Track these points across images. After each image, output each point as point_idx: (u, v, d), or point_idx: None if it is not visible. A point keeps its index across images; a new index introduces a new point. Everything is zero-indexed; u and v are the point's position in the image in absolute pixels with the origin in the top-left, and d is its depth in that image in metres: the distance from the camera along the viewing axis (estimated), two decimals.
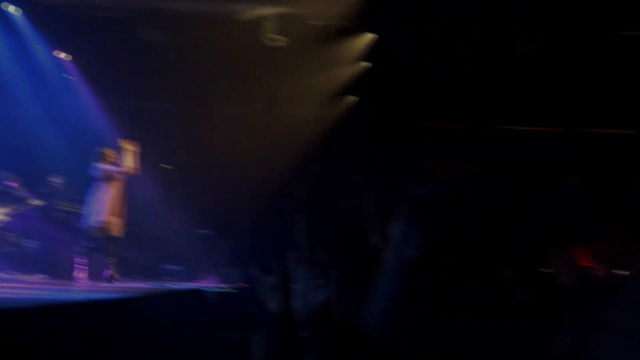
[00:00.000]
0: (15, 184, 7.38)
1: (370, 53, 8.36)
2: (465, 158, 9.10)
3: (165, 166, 8.45)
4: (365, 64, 8.56)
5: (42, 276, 7.12)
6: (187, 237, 8.41)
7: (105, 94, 8.62)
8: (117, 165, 6.68)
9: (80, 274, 6.49)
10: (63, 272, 6.95)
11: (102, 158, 6.67)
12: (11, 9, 7.98)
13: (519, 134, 8.89)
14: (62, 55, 8.72)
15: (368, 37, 8.34)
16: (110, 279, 6.47)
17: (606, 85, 7.61)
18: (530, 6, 6.91)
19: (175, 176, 8.56)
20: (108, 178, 6.59)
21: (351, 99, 9.10)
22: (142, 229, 7.68)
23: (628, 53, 7.20)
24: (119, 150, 6.75)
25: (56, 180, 7.89)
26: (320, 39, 8.21)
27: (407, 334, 1.41)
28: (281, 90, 8.69)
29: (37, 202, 7.47)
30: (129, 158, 6.64)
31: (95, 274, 6.53)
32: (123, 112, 8.51)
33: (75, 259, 6.63)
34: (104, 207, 6.53)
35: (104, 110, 8.62)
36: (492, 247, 1.52)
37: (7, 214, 7.21)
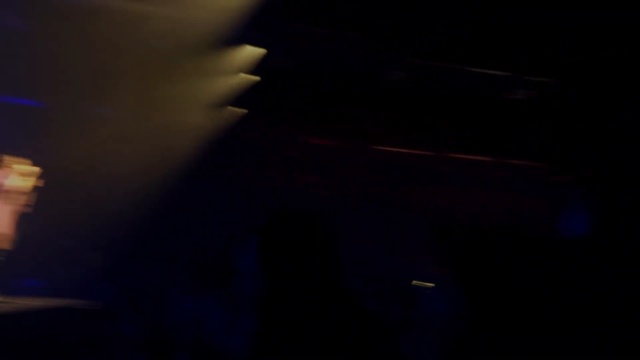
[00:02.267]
0: None
1: (257, 66, 8.37)
2: (348, 174, 9.39)
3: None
4: (249, 76, 8.56)
5: None
6: (49, 248, 7.72)
7: None
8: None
9: None
10: None
11: None
12: None
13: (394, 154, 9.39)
14: None
15: (254, 50, 8.35)
16: None
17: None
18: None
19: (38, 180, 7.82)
20: None
21: (234, 110, 9.03)
22: None
23: None
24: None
25: None
26: (205, 45, 8.06)
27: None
28: (159, 94, 8.37)
29: None
30: (16, 177, 6.05)
31: None
32: None
33: None
34: None
35: None
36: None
37: None
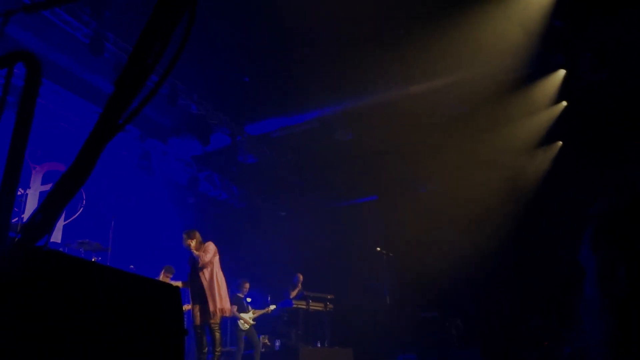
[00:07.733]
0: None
1: (564, 91, 7.58)
2: None
3: (382, 251, 8.47)
4: (563, 103, 7.79)
5: None
6: (415, 322, 8.31)
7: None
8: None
9: None
10: None
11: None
12: None
13: None
14: None
15: (559, 75, 7.62)
16: None
17: None
18: None
19: (393, 262, 8.54)
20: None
21: (558, 143, 8.27)
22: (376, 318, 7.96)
23: None
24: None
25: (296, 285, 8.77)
26: (506, 92, 7.77)
27: None
28: (477, 154, 8.36)
29: (272, 307, 8.34)
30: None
31: None
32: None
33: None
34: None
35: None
36: None
37: (253, 318, 8.11)
